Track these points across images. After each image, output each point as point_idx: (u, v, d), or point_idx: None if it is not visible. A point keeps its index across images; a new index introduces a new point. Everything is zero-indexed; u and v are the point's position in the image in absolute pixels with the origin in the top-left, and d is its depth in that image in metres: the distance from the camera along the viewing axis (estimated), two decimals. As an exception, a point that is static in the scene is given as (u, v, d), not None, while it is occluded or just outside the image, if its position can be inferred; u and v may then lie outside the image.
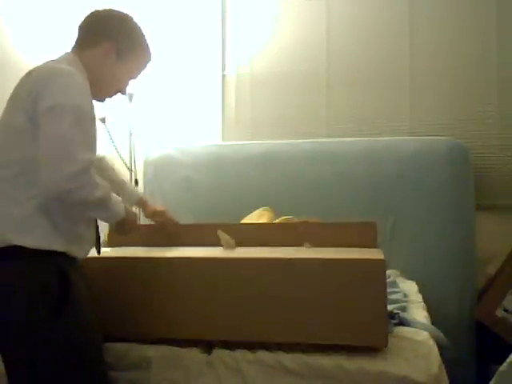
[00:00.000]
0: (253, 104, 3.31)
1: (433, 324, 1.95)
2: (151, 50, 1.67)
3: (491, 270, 2.81)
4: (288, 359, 1.55)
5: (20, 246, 1.38)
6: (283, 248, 1.84)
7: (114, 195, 1.52)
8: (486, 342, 2.63)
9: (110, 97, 1.66)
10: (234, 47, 3.35)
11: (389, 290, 1.74)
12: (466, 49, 3.01)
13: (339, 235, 1.91)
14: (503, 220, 2.91)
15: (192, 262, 1.65)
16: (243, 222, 2.45)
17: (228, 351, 1.60)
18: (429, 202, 2.76)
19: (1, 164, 1.43)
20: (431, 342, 1.66)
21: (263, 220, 2.39)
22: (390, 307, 1.72)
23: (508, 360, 1.59)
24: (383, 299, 1.54)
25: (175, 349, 1.64)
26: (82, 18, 1.61)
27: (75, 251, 1.48)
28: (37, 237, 1.39)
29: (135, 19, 1.66)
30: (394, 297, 2.06)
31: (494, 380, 1.59)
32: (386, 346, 1.53)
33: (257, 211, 2.48)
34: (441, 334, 1.81)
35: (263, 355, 1.57)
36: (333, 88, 3.19)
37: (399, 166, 2.81)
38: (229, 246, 1.84)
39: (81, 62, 1.53)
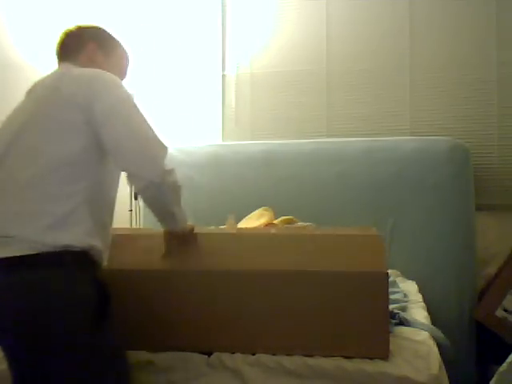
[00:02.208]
0: (253, 104, 3.31)
1: (433, 324, 1.95)
2: (124, 47, 1.73)
3: (491, 270, 2.81)
4: (288, 361, 1.55)
5: (61, 254, 1.33)
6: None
7: None
8: (486, 342, 2.63)
9: None
10: (233, 47, 3.35)
11: (389, 289, 1.74)
12: (466, 49, 3.01)
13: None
14: (503, 220, 2.91)
15: (192, 273, 1.64)
16: (243, 222, 2.45)
17: (228, 353, 1.60)
18: (429, 202, 2.76)
19: (49, 160, 1.39)
20: (431, 342, 1.67)
21: (263, 220, 2.39)
22: (390, 307, 1.72)
23: (508, 360, 1.59)
24: (385, 311, 1.55)
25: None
26: (58, 41, 1.65)
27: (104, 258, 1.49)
28: (79, 233, 1.37)
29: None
30: (394, 297, 2.06)
31: (494, 380, 1.60)
32: (387, 357, 1.52)
33: (257, 211, 2.48)
34: (441, 334, 1.81)
35: (263, 357, 1.57)
36: (333, 88, 3.19)
37: (399, 166, 2.81)
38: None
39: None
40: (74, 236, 1.35)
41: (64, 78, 1.48)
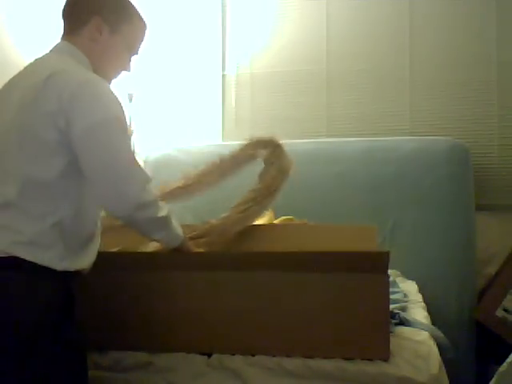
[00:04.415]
0: (253, 104, 3.31)
1: (433, 324, 1.95)
2: (143, 17, 1.56)
3: (491, 270, 2.81)
4: (288, 362, 1.55)
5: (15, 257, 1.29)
6: None
7: (173, 219, 1.50)
8: (486, 342, 2.63)
9: (116, 77, 1.57)
10: (234, 47, 3.35)
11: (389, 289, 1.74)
12: (466, 49, 3.01)
13: (339, 238, 1.90)
14: (503, 220, 2.91)
15: (192, 274, 1.63)
16: (243, 222, 2.44)
17: (228, 354, 1.60)
18: (428, 202, 2.76)
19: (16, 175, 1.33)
20: (431, 342, 1.67)
21: (263, 220, 2.39)
22: (390, 307, 1.72)
23: (508, 360, 1.59)
24: (386, 312, 1.55)
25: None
26: (63, 5, 1.52)
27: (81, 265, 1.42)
28: (46, 257, 1.32)
29: None
30: (394, 297, 2.06)
31: (494, 380, 1.60)
32: (388, 359, 1.52)
33: (257, 211, 2.48)
34: (441, 334, 1.81)
35: (263, 358, 1.57)
36: (333, 88, 3.19)
37: (399, 166, 2.81)
38: None
39: (78, 49, 1.46)
40: (40, 259, 1.30)
41: (48, 84, 1.33)
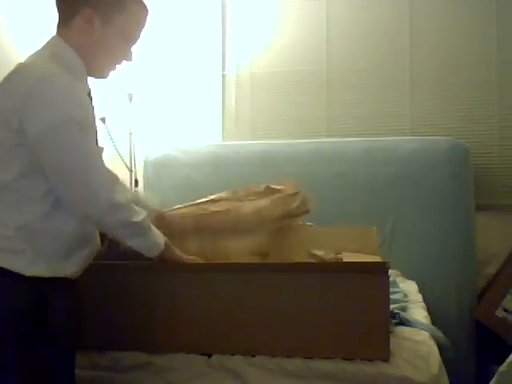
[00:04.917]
0: (253, 104, 3.31)
1: (433, 324, 1.95)
2: (142, 2, 1.46)
3: (491, 270, 2.81)
4: (288, 362, 1.55)
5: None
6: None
7: (153, 226, 1.44)
8: (486, 342, 2.63)
9: (115, 68, 1.48)
10: (234, 47, 3.34)
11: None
12: (466, 49, 3.01)
13: (340, 240, 1.90)
14: (503, 220, 2.91)
15: (191, 274, 1.63)
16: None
17: (228, 355, 1.59)
18: (429, 202, 2.76)
19: None
20: (431, 342, 1.67)
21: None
22: (390, 307, 1.72)
23: (508, 360, 1.59)
24: (386, 313, 1.55)
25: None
26: None
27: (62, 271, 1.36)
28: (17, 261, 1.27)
29: None
30: (394, 297, 2.06)
31: (494, 380, 1.60)
32: (388, 359, 1.52)
33: (257, 211, 2.47)
34: (441, 334, 1.81)
35: (263, 359, 1.57)
36: (333, 88, 3.19)
37: (399, 166, 2.81)
38: None
39: (67, 43, 1.38)
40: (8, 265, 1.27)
41: (7, 82, 1.30)
